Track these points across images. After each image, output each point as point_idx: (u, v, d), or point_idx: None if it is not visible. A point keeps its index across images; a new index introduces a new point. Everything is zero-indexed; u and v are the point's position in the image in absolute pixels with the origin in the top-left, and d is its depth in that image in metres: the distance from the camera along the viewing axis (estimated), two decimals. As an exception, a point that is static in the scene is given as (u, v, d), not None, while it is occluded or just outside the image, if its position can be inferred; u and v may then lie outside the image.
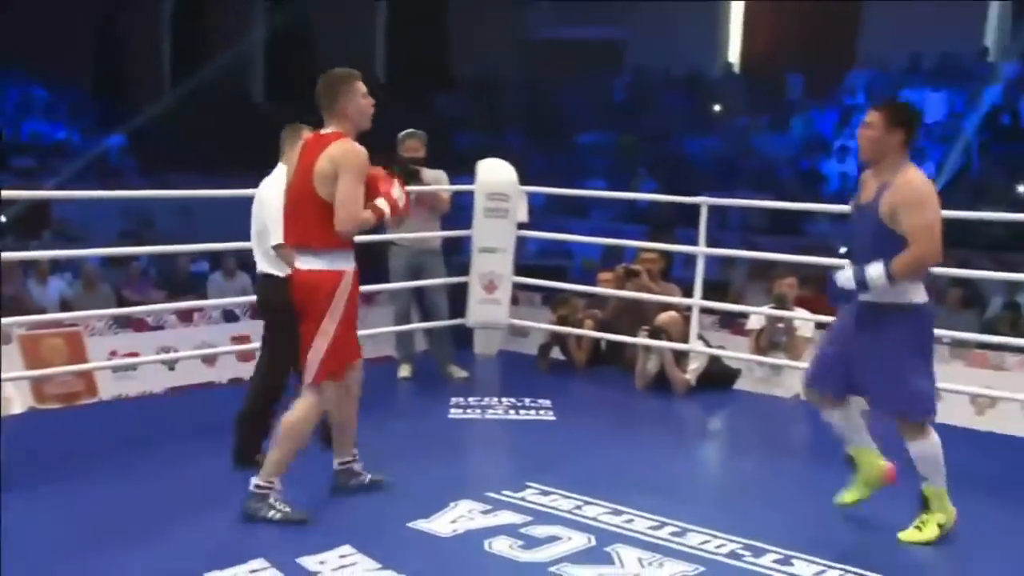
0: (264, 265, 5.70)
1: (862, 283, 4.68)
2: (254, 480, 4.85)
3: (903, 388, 4.82)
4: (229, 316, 10.24)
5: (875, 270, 4.65)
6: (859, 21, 21.87)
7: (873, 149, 4.94)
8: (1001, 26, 21.22)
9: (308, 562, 4.42)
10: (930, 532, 4.90)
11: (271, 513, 4.80)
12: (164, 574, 4.31)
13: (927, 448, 4.90)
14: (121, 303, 11.17)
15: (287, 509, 4.83)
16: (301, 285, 4.90)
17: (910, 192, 4.80)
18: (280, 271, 5.50)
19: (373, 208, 4.87)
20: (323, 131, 4.87)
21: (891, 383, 4.82)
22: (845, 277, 4.77)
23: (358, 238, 7.23)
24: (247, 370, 9.41)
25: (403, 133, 7.83)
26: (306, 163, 4.79)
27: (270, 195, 5.52)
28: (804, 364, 7.97)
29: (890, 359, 4.80)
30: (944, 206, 4.99)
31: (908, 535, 4.91)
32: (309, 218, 4.79)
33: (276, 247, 5.47)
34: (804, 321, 8.31)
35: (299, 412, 4.93)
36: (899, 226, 4.74)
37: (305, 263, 4.86)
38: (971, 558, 4.84)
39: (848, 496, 5.03)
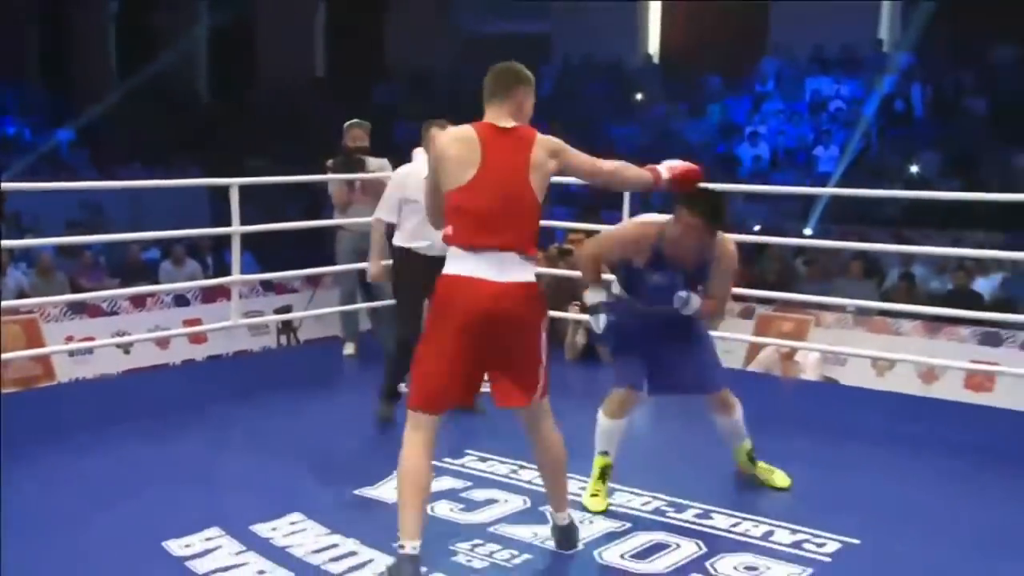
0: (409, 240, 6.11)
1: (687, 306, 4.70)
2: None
3: (712, 364, 5.05)
4: (180, 300, 10.18)
5: (696, 302, 4.71)
6: (767, 15, 22.02)
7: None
8: (893, 20, 21.52)
9: (261, 529, 4.42)
10: (778, 476, 5.11)
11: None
12: (124, 542, 4.28)
13: (739, 412, 5.07)
14: (76, 291, 11.05)
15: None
16: (526, 298, 4.00)
17: (731, 263, 4.84)
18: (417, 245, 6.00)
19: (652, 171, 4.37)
20: (499, 124, 4.07)
21: (705, 362, 5.00)
22: (683, 302, 4.68)
23: (307, 224, 7.24)
24: (199, 352, 9.46)
25: (348, 123, 7.82)
26: (509, 159, 4.00)
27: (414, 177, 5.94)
28: (723, 334, 8.11)
29: (698, 337, 4.98)
30: (846, 185, 5.06)
31: (776, 482, 5.09)
32: (527, 220, 4.04)
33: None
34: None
35: (556, 438, 4.21)
36: (713, 280, 4.81)
37: (523, 273, 3.99)
38: (866, 498, 4.92)
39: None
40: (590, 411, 4.95)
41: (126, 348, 8.57)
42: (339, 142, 7.73)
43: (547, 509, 4.37)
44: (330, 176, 7.68)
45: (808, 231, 14.97)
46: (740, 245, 5.08)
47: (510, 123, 4.06)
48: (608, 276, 5.14)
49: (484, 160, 3.98)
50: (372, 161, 7.66)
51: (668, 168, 4.39)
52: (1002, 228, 14.40)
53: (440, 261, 4.96)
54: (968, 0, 18.56)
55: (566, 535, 4.32)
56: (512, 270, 3.95)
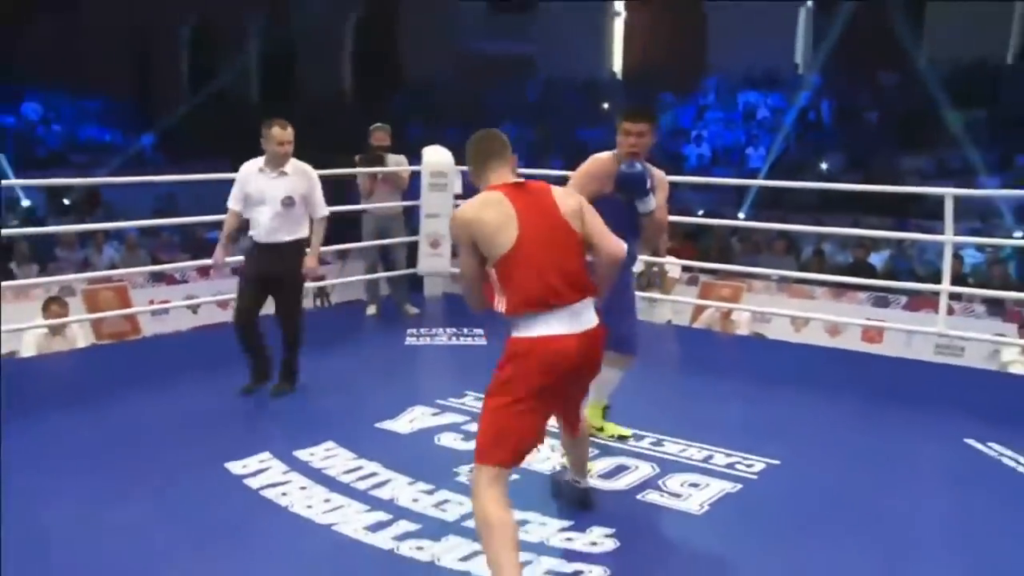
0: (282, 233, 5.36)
1: (649, 192, 4.29)
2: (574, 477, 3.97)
3: (631, 327, 4.59)
4: (236, 271, 10.14)
5: (653, 200, 4.34)
6: (707, 40, 22.06)
7: (645, 153, 4.40)
8: (806, 50, 21.82)
9: (302, 454, 4.42)
10: (619, 429, 4.77)
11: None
12: (196, 464, 4.28)
13: (623, 374, 4.69)
14: (155, 263, 11.02)
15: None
16: (601, 337, 3.37)
17: (666, 183, 4.54)
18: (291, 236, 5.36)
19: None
20: (512, 180, 3.37)
21: (626, 324, 4.49)
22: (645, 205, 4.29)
23: (337, 208, 7.08)
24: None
25: (373, 126, 7.78)
26: (540, 208, 3.30)
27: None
28: (673, 298, 8.12)
29: (630, 303, 4.64)
30: (771, 178, 5.00)
31: (619, 431, 4.76)
32: (580, 260, 3.34)
33: None
34: (673, 265, 8.41)
35: (583, 415, 3.81)
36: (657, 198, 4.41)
37: (592, 312, 3.34)
38: (786, 428, 4.91)
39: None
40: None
41: (195, 309, 8.59)
42: (365, 142, 7.68)
43: (567, 475, 3.96)
44: (357, 170, 7.64)
45: (741, 215, 14.96)
46: (686, 226, 5.00)
47: (518, 179, 3.40)
48: None
49: (520, 217, 3.24)
50: (391, 157, 7.63)
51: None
52: (890, 214, 14.57)
53: (267, 247, 5.31)
54: (861, 36, 18.95)
55: (588, 497, 3.92)
56: (585, 315, 3.29)
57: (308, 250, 5.45)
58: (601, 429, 4.69)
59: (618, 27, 24.05)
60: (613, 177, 4.32)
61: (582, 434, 3.81)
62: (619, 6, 23.96)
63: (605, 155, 4.47)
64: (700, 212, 14.06)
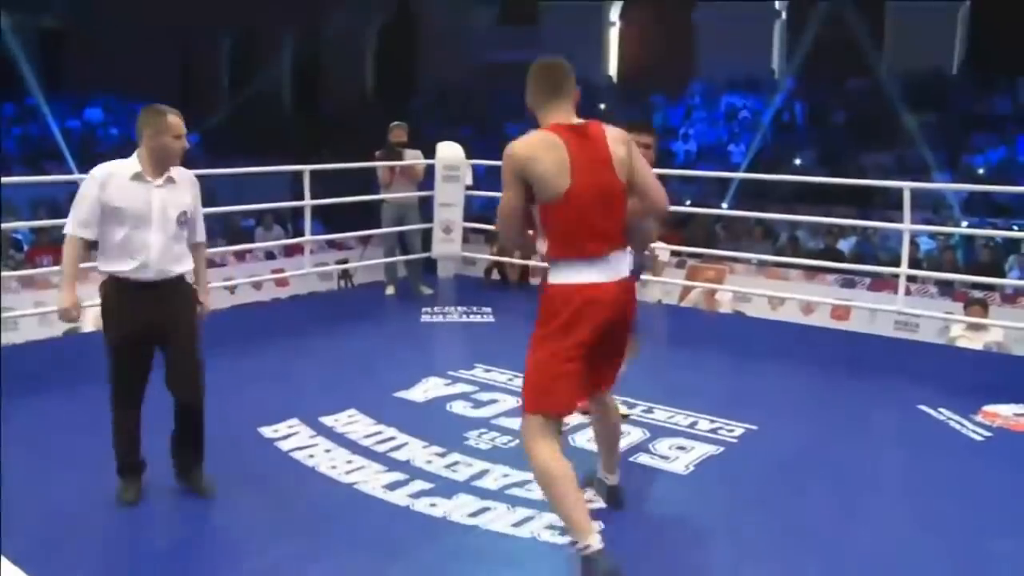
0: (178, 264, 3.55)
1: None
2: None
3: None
4: (269, 255, 10.12)
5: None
6: (694, 48, 22.00)
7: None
8: (781, 57, 21.82)
9: (327, 420, 4.39)
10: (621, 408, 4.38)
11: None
12: (233, 427, 4.24)
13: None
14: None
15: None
16: (634, 289, 3.13)
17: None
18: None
19: None
20: (573, 121, 3.00)
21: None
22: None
23: (360, 198, 6.76)
24: (283, 292, 9.42)
25: (392, 124, 7.74)
26: (595, 158, 2.94)
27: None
28: (663, 279, 8.08)
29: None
30: (751, 172, 4.89)
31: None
32: (622, 214, 3.02)
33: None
34: (662, 250, 8.33)
35: (615, 406, 3.42)
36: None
37: (627, 265, 3.04)
38: (764, 396, 4.86)
39: None
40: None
41: (231, 290, 8.51)
42: (385, 138, 7.63)
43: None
44: (378, 163, 7.58)
45: (724, 205, 14.91)
46: (675, 215, 4.92)
47: (578, 120, 3.02)
48: None
49: (574, 166, 2.90)
50: (409, 152, 7.57)
51: None
52: (856, 205, 14.61)
53: (153, 285, 3.42)
54: (829, 46, 19.06)
55: (616, 494, 3.52)
56: (621, 266, 3.00)
57: (196, 286, 3.71)
58: None
59: (613, 35, 23.95)
60: None
61: (615, 423, 3.40)
62: (614, 16, 23.83)
63: None
64: (687, 202, 14.02)
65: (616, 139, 3.02)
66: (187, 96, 27.42)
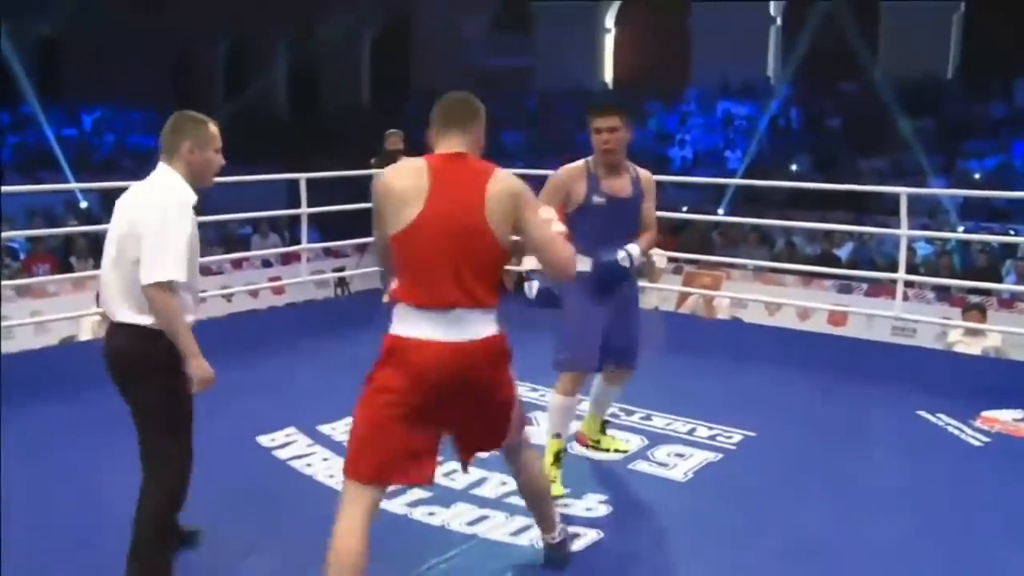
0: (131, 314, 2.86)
1: (631, 259, 3.69)
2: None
3: (641, 347, 3.92)
4: (266, 263, 10.11)
5: (635, 249, 3.70)
6: (689, 54, 22.04)
7: (622, 149, 3.73)
8: (776, 63, 21.88)
9: (324, 428, 4.40)
10: (619, 442, 4.20)
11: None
12: (229, 437, 4.23)
13: (621, 390, 4.15)
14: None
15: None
16: (487, 357, 2.62)
17: (653, 184, 3.87)
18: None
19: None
20: (450, 151, 2.65)
21: (638, 338, 3.88)
22: (624, 256, 3.66)
23: (355, 206, 6.66)
24: (279, 300, 9.41)
25: (388, 132, 7.74)
26: (461, 192, 2.56)
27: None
28: (660, 286, 8.07)
29: (637, 318, 3.91)
30: (747, 178, 4.84)
31: (617, 444, 4.20)
32: (485, 266, 2.60)
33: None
34: (659, 256, 8.33)
35: (536, 467, 3.02)
36: (645, 204, 3.80)
37: (483, 327, 2.59)
38: (761, 402, 4.89)
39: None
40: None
41: (228, 298, 8.50)
42: (380, 146, 7.63)
43: (537, 534, 3.21)
44: (374, 171, 7.58)
45: (720, 211, 14.91)
46: (671, 221, 4.89)
47: (466, 153, 2.66)
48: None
49: (431, 195, 2.52)
50: (404, 159, 7.58)
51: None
52: (852, 210, 14.63)
53: (153, 336, 2.81)
54: (824, 52, 19.12)
55: (559, 551, 3.13)
56: (470, 325, 2.55)
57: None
58: (598, 442, 4.19)
59: (608, 42, 23.99)
60: (586, 184, 3.70)
61: (531, 478, 2.96)
62: (609, 22, 23.88)
63: (574, 164, 3.79)
64: (684, 208, 13.99)
65: (504, 189, 2.58)
66: (182, 103, 27.28)
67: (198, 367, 2.87)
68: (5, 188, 5.64)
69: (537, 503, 3.04)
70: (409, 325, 2.56)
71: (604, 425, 4.23)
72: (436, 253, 2.52)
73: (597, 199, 3.68)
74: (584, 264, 3.55)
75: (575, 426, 4.11)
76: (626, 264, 3.67)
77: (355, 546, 2.52)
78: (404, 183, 2.57)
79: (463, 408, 2.63)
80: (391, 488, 3.66)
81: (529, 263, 3.57)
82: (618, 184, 3.72)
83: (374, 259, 8.33)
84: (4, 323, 5.82)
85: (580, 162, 3.77)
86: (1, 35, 20.59)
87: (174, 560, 2.90)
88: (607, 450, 4.14)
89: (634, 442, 4.30)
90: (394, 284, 2.64)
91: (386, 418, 2.54)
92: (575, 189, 3.70)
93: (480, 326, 2.58)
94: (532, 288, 3.51)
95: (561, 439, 3.74)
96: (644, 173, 3.83)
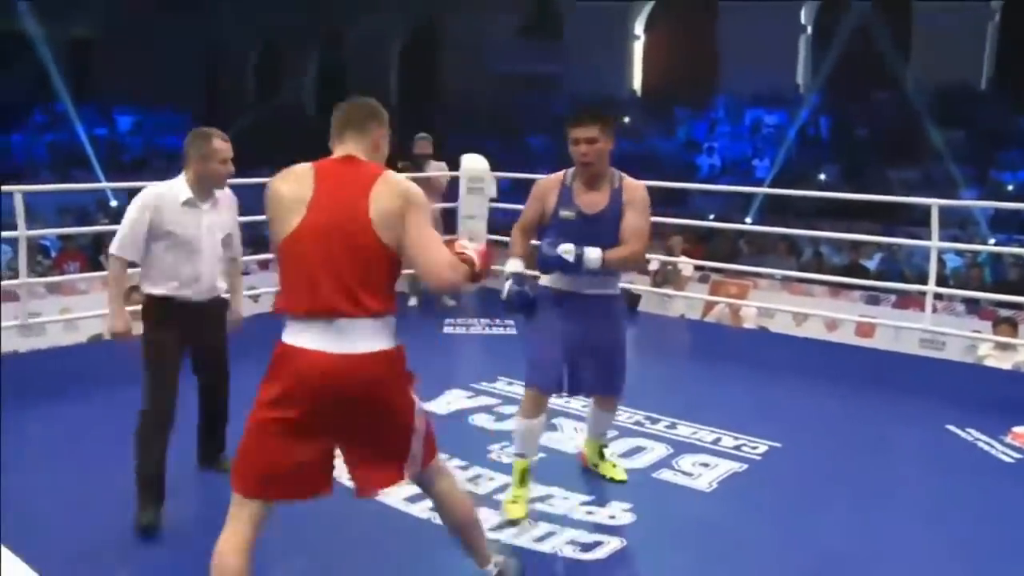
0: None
1: (580, 259, 3.36)
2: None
3: (623, 369, 3.68)
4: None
5: (594, 252, 3.37)
6: (718, 61, 21.94)
7: (602, 160, 3.47)
8: (806, 71, 21.67)
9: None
10: (619, 470, 3.93)
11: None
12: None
13: (614, 414, 3.94)
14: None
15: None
16: (375, 370, 2.45)
17: (643, 197, 3.54)
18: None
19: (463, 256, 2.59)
20: (341, 155, 2.55)
21: (619, 367, 3.65)
22: (565, 249, 3.36)
23: None
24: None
25: (418, 136, 7.76)
26: (345, 197, 2.44)
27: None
28: (686, 294, 8.04)
29: (618, 344, 3.64)
30: (775, 187, 4.77)
31: (617, 475, 3.91)
32: (371, 273, 2.45)
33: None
34: (686, 264, 8.34)
35: (458, 496, 2.77)
36: (627, 217, 3.49)
37: (372, 340, 2.44)
38: (788, 413, 4.82)
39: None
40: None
41: (255, 298, 8.53)
42: (408, 150, 7.65)
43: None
44: (401, 175, 7.60)
45: (748, 220, 14.86)
46: (698, 229, 4.86)
47: (357, 157, 2.54)
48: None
49: (314, 200, 2.42)
50: (432, 164, 7.59)
51: (474, 251, 2.64)
52: (881, 221, 14.51)
53: (198, 305, 3.52)
54: (855, 61, 18.90)
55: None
56: (357, 337, 2.40)
57: (233, 297, 3.90)
58: (596, 466, 3.99)
59: (637, 49, 23.93)
60: (557, 196, 3.53)
61: (459, 517, 2.76)
62: (639, 29, 23.82)
63: (554, 174, 3.62)
64: (711, 216, 13.99)
65: (390, 190, 2.46)
66: (213, 105, 27.75)
67: (112, 318, 3.53)
68: (31, 187, 5.77)
69: (464, 533, 2.78)
70: (294, 334, 2.43)
71: (602, 452, 4.01)
72: (318, 260, 2.40)
73: (565, 213, 3.50)
74: (554, 249, 3.37)
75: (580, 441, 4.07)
76: (568, 259, 3.34)
77: (234, 565, 2.39)
78: (289, 190, 2.47)
79: (349, 425, 2.46)
80: (412, 493, 3.68)
81: (512, 266, 3.55)
82: (593, 198, 3.49)
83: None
84: (35, 320, 5.89)
85: (560, 173, 3.61)
86: (37, 37, 20.89)
87: (154, 467, 3.40)
88: (604, 476, 3.92)
89: (659, 451, 4.27)
90: (279, 292, 2.52)
91: (267, 431, 2.41)
92: (548, 201, 3.57)
93: (368, 338, 2.42)
94: (505, 289, 3.46)
95: (525, 459, 3.58)
96: (631, 183, 3.57)
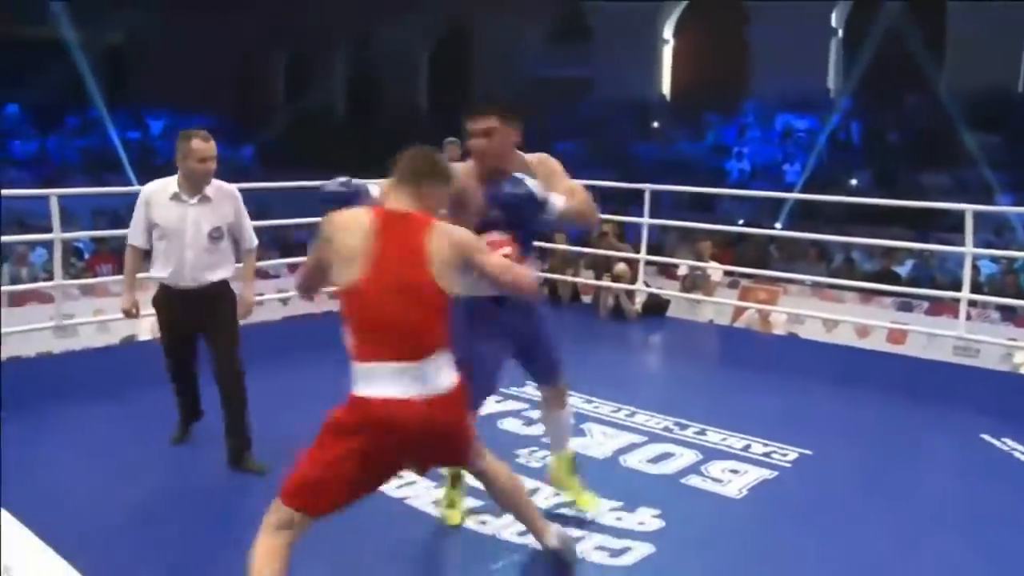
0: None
1: (545, 201, 3.07)
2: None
3: (560, 359, 3.53)
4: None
5: (558, 197, 3.14)
6: (748, 65, 21.83)
7: (505, 154, 3.29)
8: (837, 75, 21.49)
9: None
10: (587, 498, 3.64)
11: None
12: (287, 440, 4.25)
13: (569, 410, 3.70)
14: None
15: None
16: (442, 410, 2.59)
17: (552, 165, 3.37)
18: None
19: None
20: (400, 208, 2.65)
21: (555, 358, 3.50)
22: (534, 182, 3.08)
23: None
24: (336, 305, 9.48)
25: (446, 141, 7.82)
26: (403, 247, 2.58)
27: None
28: (715, 299, 8.00)
29: (548, 335, 3.47)
30: (805, 192, 4.71)
31: (585, 503, 3.62)
32: (430, 319, 2.59)
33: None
34: (715, 270, 8.28)
35: (499, 469, 2.91)
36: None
37: (436, 380, 2.58)
38: (819, 420, 4.80)
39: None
40: (617, 354, 4.85)
41: (284, 301, 8.60)
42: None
43: (589, 546, 3.26)
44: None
45: (778, 225, 14.76)
46: (728, 235, 4.82)
47: (409, 209, 2.65)
48: None
49: (374, 254, 2.55)
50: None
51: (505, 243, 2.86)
52: (913, 227, 14.36)
53: (191, 291, 3.88)
54: (887, 64, 18.69)
55: (563, 555, 3.01)
56: (429, 378, 2.55)
57: (242, 285, 4.18)
58: (562, 485, 3.69)
59: (667, 53, 23.87)
60: (469, 191, 3.22)
61: (501, 489, 2.90)
62: (668, 34, 23.76)
63: (465, 163, 3.36)
64: (740, 222, 13.90)
65: (444, 242, 2.59)
66: (243, 109, 27.97)
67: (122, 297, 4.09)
68: (64, 191, 6.00)
69: (514, 506, 2.96)
70: (369, 384, 2.56)
71: (572, 465, 3.66)
72: (385, 309, 2.55)
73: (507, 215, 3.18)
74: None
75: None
76: (538, 194, 3.05)
77: (270, 568, 2.51)
78: (348, 241, 2.59)
79: (423, 455, 2.70)
80: (441, 495, 3.68)
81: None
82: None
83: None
84: (68, 321, 5.98)
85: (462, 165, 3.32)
86: (72, 43, 21.20)
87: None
88: (572, 502, 3.63)
89: (688, 457, 4.24)
90: (348, 340, 2.64)
91: (336, 462, 2.54)
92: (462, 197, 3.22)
93: (439, 376, 2.58)
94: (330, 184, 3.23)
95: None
96: (533, 158, 3.37)
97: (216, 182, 4.03)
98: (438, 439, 2.62)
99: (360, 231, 2.59)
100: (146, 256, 4.04)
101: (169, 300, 3.98)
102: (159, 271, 3.96)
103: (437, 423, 2.57)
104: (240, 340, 4.05)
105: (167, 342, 4.07)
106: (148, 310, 4.14)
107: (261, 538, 2.53)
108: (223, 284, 4.02)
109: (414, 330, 2.55)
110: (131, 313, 4.04)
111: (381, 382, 2.54)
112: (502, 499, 2.94)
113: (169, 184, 3.94)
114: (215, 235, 3.96)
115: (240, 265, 4.19)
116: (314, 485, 2.55)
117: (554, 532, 2.99)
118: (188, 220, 3.90)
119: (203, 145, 3.92)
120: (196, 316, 3.95)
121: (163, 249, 3.92)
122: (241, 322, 4.11)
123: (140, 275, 4.13)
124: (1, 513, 3.27)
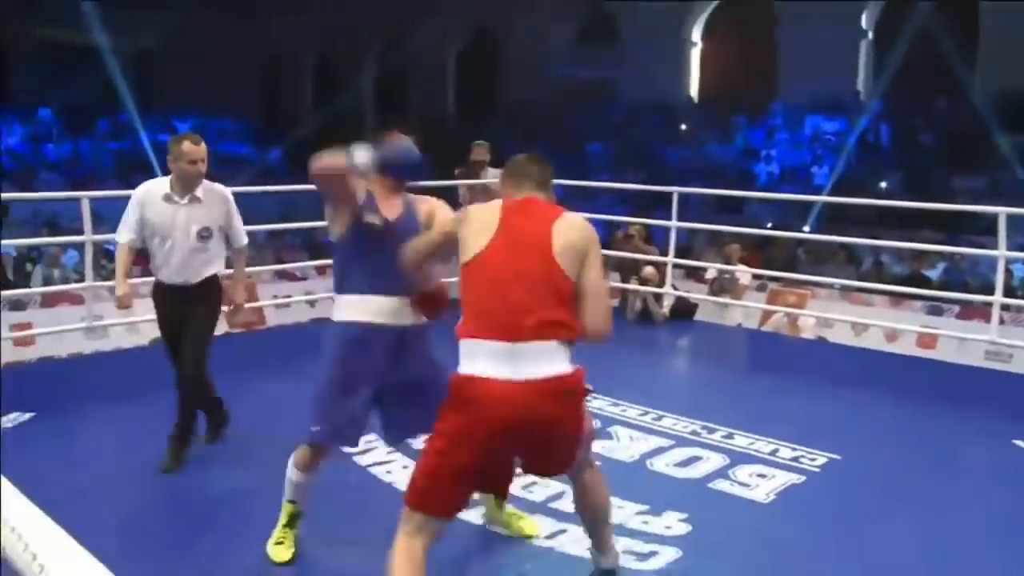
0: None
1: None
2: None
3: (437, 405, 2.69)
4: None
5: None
6: (777, 67, 21.73)
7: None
8: (867, 77, 21.31)
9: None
10: (527, 523, 3.48)
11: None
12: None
13: None
14: (279, 262, 11.22)
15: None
16: (553, 396, 2.50)
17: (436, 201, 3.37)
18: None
19: None
20: (527, 196, 2.72)
21: (434, 403, 2.64)
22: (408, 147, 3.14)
23: None
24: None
25: (474, 142, 7.83)
26: (531, 227, 2.61)
27: None
28: (744, 303, 7.97)
29: (435, 379, 3.03)
30: (834, 195, 4.70)
31: (525, 529, 3.47)
32: (553, 298, 2.52)
33: None
34: (743, 273, 8.25)
35: (595, 485, 2.88)
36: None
37: (550, 364, 2.48)
38: (847, 425, 4.77)
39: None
40: (645, 358, 4.84)
41: (312, 303, 8.66)
42: (465, 156, 7.71)
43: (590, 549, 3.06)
44: (459, 182, 7.65)
45: (807, 228, 14.67)
46: (756, 238, 4.79)
47: (538, 198, 2.73)
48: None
49: (501, 226, 2.59)
50: (490, 170, 7.63)
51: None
52: (944, 230, 14.21)
53: (181, 287, 4.03)
54: (918, 66, 18.48)
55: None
56: (535, 363, 2.44)
57: (232, 282, 4.37)
58: (495, 523, 3.53)
59: (695, 55, 23.79)
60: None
61: (592, 504, 2.89)
62: (696, 36, 23.69)
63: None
64: (769, 225, 13.83)
65: (572, 226, 2.62)
66: (271, 112, 28.17)
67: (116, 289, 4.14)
68: (91, 193, 6.15)
69: (593, 520, 2.95)
70: (473, 362, 2.49)
71: (499, 501, 3.48)
72: (502, 284, 2.51)
73: (370, 218, 3.23)
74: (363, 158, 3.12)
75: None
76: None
77: (410, 571, 2.53)
78: (479, 218, 2.66)
79: (522, 447, 2.59)
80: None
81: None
82: (392, 203, 3.25)
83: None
84: (98, 323, 6.05)
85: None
86: (104, 48, 21.46)
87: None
88: (516, 534, 3.46)
89: (716, 461, 4.23)
90: (460, 322, 2.58)
91: (449, 456, 2.52)
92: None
93: (549, 362, 2.46)
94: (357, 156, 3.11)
95: (297, 504, 3.31)
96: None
97: (207, 183, 4.14)
98: (527, 428, 2.46)
99: (491, 211, 2.66)
100: (140, 253, 4.25)
101: (162, 296, 4.15)
102: (154, 268, 4.16)
103: (525, 407, 2.43)
104: (209, 343, 4.15)
105: (163, 336, 4.24)
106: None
107: (398, 542, 2.55)
108: (211, 281, 4.16)
109: (528, 306, 2.47)
110: (124, 302, 4.16)
111: (482, 359, 2.47)
112: (584, 511, 2.92)
113: (162, 185, 4.09)
114: (204, 234, 4.08)
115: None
116: (426, 485, 2.55)
117: (616, 554, 3.04)
118: (178, 219, 4.05)
119: (193, 148, 4.04)
120: (178, 309, 4.13)
121: (156, 247, 4.08)
122: (241, 323, 4.44)
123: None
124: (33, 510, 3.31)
